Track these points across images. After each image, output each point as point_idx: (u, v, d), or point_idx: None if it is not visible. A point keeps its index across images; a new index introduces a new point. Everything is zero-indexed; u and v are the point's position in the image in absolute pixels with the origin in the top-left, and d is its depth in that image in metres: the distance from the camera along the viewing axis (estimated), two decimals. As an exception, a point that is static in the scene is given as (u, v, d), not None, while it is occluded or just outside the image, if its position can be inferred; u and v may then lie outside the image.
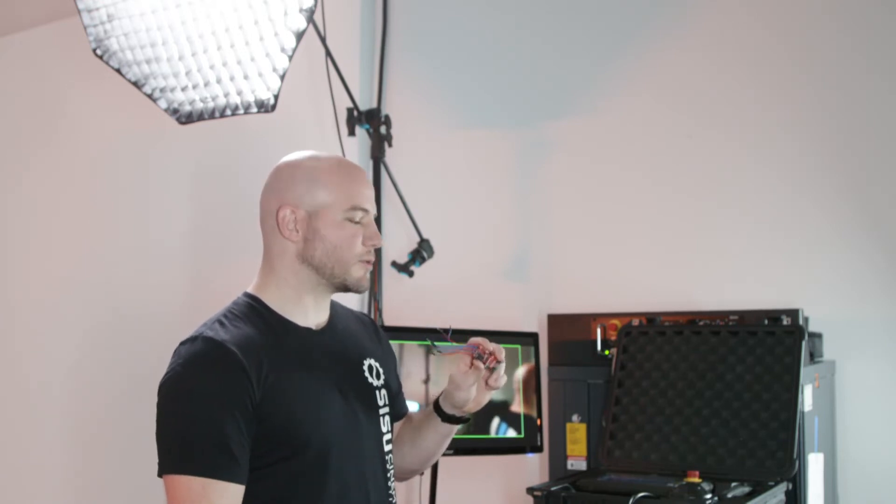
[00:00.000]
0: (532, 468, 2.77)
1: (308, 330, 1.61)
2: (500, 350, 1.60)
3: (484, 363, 1.59)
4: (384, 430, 1.66)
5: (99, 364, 3.82)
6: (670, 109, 2.76)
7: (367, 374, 1.65)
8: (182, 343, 1.54)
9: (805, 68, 2.57)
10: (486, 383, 1.62)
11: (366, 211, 1.60)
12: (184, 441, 1.45)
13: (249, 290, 1.63)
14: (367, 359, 1.67)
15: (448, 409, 1.67)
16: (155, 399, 1.52)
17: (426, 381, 2.39)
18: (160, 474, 1.47)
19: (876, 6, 2.50)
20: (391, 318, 3.05)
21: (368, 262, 1.61)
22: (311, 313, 1.62)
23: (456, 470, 2.69)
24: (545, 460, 2.52)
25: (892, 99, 2.47)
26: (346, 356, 1.65)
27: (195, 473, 1.43)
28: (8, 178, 4.24)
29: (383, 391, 1.67)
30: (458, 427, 1.71)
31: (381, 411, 1.66)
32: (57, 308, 3.98)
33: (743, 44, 2.66)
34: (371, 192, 1.62)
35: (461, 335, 2.34)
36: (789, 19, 2.61)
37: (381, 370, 1.69)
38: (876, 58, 2.50)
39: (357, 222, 1.58)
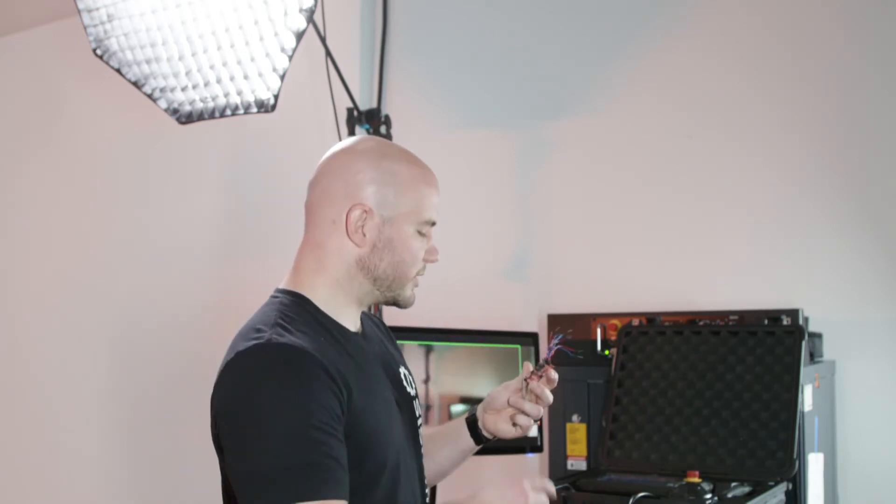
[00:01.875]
0: (532, 468, 2.77)
1: (358, 336, 1.46)
2: (546, 384, 1.57)
3: (534, 371, 1.57)
4: (421, 443, 1.55)
5: (93, 362, 3.82)
6: (671, 109, 2.76)
7: (404, 383, 1.53)
8: (240, 353, 1.31)
9: (805, 68, 2.57)
10: (509, 403, 1.57)
11: (434, 224, 1.48)
12: (283, 465, 1.23)
13: (291, 287, 1.44)
14: (401, 367, 1.56)
15: (479, 415, 1.61)
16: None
17: (426, 381, 2.38)
18: None
19: (876, 6, 2.50)
20: (391, 318, 3.04)
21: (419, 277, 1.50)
22: (353, 319, 1.47)
23: (456, 470, 2.69)
24: (545, 460, 2.51)
25: (892, 99, 2.47)
26: (389, 365, 1.52)
27: (315, 498, 1.22)
28: (8, 178, 4.24)
29: (417, 401, 1.56)
30: (477, 447, 1.64)
31: (419, 422, 1.55)
32: (57, 308, 3.98)
33: (743, 44, 2.66)
34: (440, 201, 1.49)
35: (462, 335, 2.35)
36: (789, 19, 2.61)
37: (412, 379, 1.58)
38: (876, 58, 2.50)
39: (423, 235, 1.46)
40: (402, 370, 1.56)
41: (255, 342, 1.32)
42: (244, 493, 1.26)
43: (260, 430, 1.26)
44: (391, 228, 1.42)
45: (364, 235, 1.41)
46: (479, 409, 1.62)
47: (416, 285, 1.50)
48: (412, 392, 1.55)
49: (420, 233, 1.45)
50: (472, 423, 1.62)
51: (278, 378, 1.28)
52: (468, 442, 1.61)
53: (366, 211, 1.40)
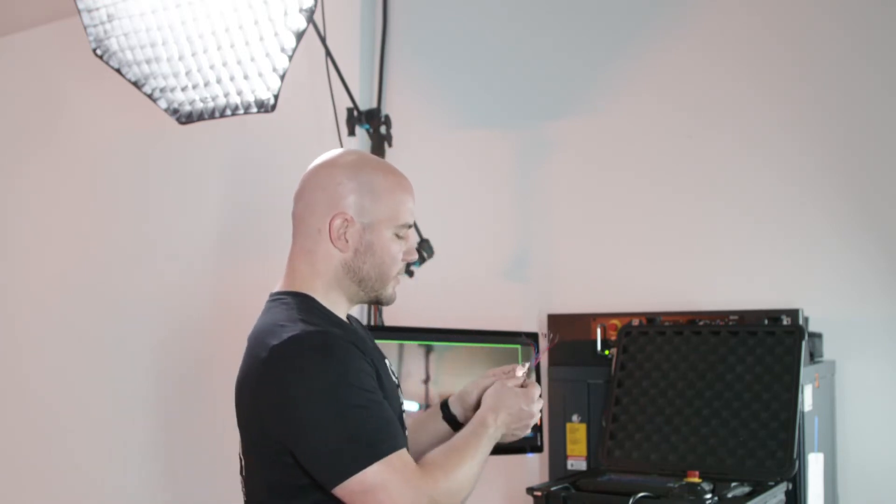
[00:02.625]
0: (532, 468, 2.77)
1: (356, 331, 1.59)
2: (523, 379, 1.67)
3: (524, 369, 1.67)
4: (405, 427, 1.66)
5: (92, 363, 3.82)
6: (670, 109, 2.76)
7: (390, 371, 1.65)
8: (279, 346, 1.43)
9: (805, 68, 2.57)
10: None
11: (411, 227, 1.61)
12: (365, 429, 1.39)
13: (291, 289, 1.56)
14: (385, 358, 1.67)
15: (454, 410, 1.69)
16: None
17: (426, 381, 2.39)
18: (348, 476, 1.37)
19: (876, 6, 2.50)
20: (391, 318, 3.05)
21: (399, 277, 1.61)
22: (345, 316, 1.61)
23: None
24: (545, 460, 2.52)
25: (892, 99, 2.47)
26: (381, 357, 1.64)
27: (390, 451, 1.40)
28: (8, 178, 4.24)
29: (400, 390, 1.68)
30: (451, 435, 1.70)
31: (402, 408, 1.66)
32: (56, 308, 3.98)
33: (743, 44, 2.66)
34: (415, 206, 1.62)
35: (462, 335, 2.36)
36: (789, 19, 2.61)
37: (394, 370, 1.69)
38: (876, 58, 2.50)
39: (401, 237, 1.58)
40: (387, 360, 1.66)
41: (289, 335, 1.43)
42: (325, 469, 1.39)
43: (321, 410, 1.39)
44: (371, 234, 1.54)
45: (347, 241, 1.54)
46: (456, 403, 1.71)
47: (398, 283, 1.62)
48: (397, 382, 1.67)
49: (398, 236, 1.57)
50: (450, 420, 1.71)
51: (324, 360, 1.40)
52: (444, 430, 1.70)
53: (347, 219, 1.53)
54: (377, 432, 1.40)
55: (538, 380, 2.50)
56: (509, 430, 1.61)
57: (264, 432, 1.46)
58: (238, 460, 1.59)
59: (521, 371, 1.67)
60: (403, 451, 1.43)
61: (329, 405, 1.39)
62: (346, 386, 1.40)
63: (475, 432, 1.56)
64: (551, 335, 1.74)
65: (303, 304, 1.52)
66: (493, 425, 1.58)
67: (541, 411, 1.67)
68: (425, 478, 1.43)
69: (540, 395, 1.66)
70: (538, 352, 1.73)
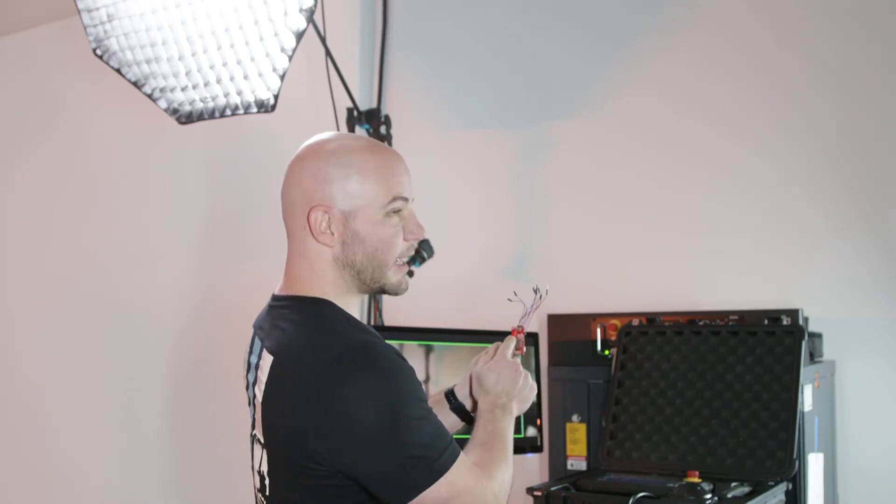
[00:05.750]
0: (532, 468, 2.77)
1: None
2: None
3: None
4: None
5: (90, 363, 3.82)
6: (671, 109, 2.76)
7: None
8: (330, 363, 1.33)
9: (806, 68, 2.57)
10: None
11: (406, 200, 1.46)
12: (429, 441, 1.35)
13: (304, 293, 1.45)
14: None
15: (461, 399, 1.66)
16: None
17: (426, 381, 2.38)
18: (420, 491, 1.34)
19: (876, 6, 2.50)
20: (391, 318, 3.05)
21: (405, 264, 1.50)
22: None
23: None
24: (545, 460, 2.52)
25: (892, 99, 2.47)
26: None
27: (458, 454, 1.39)
28: (8, 178, 4.24)
29: None
30: (460, 425, 1.70)
31: None
32: (55, 308, 3.98)
33: (744, 44, 2.66)
34: (410, 178, 1.48)
35: (461, 335, 2.36)
36: (789, 19, 2.61)
37: None
38: (877, 58, 2.50)
39: (397, 214, 1.45)
40: None
41: (339, 350, 1.35)
42: (396, 488, 1.35)
43: (387, 428, 1.32)
44: (356, 221, 1.42)
45: (332, 234, 1.42)
46: (465, 395, 1.67)
47: (405, 270, 1.51)
48: None
49: (393, 212, 1.44)
50: (459, 409, 1.67)
51: (383, 375, 1.34)
52: (451, 418, 1.67)
53: (325, 210, 1.41)
54: (440, 442, 1.37)
55: (538, 380, 2.52)
56: (518, 401, 1.60)
57: (308, 453, 1.35)
58: (256, 477, 1.50)
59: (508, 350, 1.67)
60: (462, 454, 1.41)
61: (394, 423, 1.32)
62: (406, 400, 1.34)
63: (497, 417, 1.56)
64: (538, 291, 1.68)
65: (326, 312, 1.42)
66: (500, 406, 1.57)
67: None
68: (487, 475, 1.44)
69: (516, 350, 1.66)
70: (529, 309, 1.70)
